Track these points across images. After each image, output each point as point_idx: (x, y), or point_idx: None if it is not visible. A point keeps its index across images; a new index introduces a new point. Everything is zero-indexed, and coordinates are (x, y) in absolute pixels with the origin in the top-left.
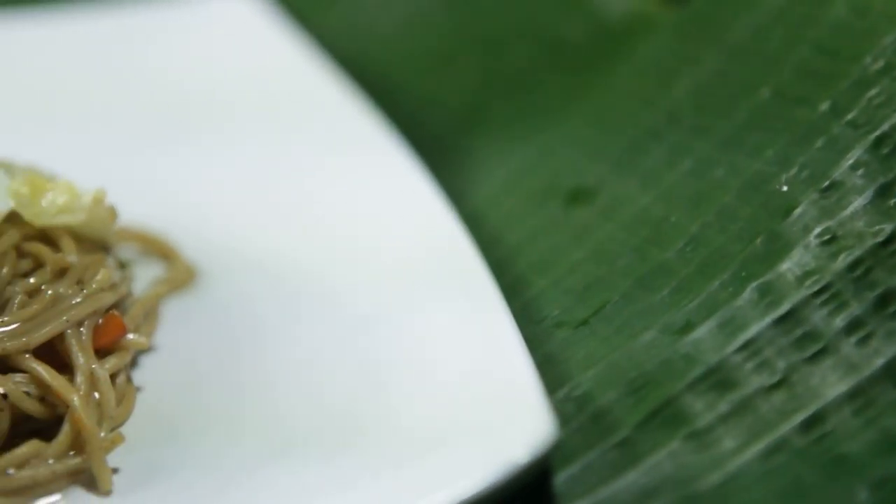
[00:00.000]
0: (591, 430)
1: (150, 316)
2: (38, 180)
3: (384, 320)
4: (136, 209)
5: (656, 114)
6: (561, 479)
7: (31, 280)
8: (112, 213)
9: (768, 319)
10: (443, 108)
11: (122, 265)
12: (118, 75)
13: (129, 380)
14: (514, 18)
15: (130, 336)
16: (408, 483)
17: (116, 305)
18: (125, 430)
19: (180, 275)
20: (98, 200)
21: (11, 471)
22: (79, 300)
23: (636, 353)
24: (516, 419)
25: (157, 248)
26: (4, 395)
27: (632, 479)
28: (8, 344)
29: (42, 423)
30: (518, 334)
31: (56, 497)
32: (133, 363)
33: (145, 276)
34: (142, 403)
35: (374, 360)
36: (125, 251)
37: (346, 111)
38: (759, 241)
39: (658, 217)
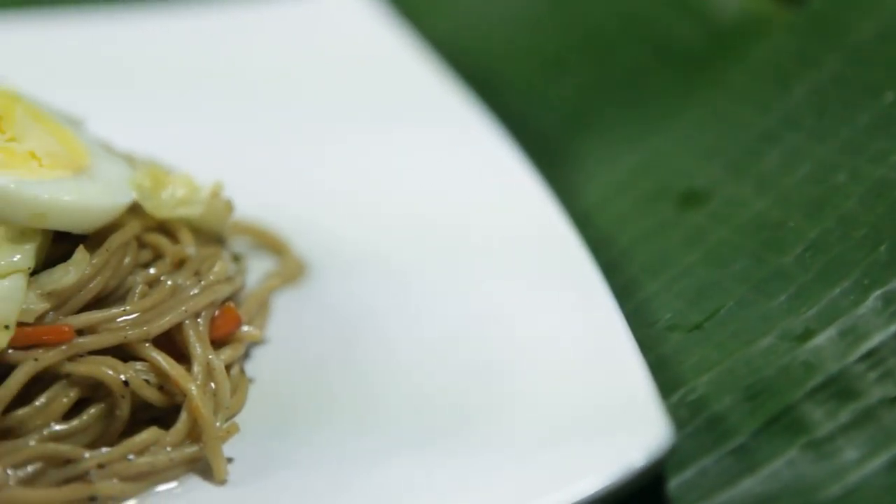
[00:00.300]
0: (706, 435)
1: (262, 309)
2: (159, 173)
3: (495, 318)
4: (247, 203)
5: (773, 116)
6: (675, 484)
7: (151, 271)
8: (228, 206)
9: (893, 329)
10: (552, 107)
11: (236, 258)
12: (231, 70)
13: (242, 371)
14: (623, 18)
15: (245, 328)
16: (522, 483)
17: (231, 297)
18: (239, 420)
19: (291, 268)
20: (215, 193)
21: (132, 457)
22: (196, 291)
23: (753, 359)
24: (631, 422)
25: (269, 242)
26: (126, 383)
27: (748, 486)
28: (129, 333)
29: (159, 412)
30: (631, 336)
31: (173, 484)
32: (245, 355)
33: (257, 269)
34: (254, 395)
35: (486, 359)
36: (237, 244)
37: (455, 109)
38: (882, 248)
39: (775, 221)
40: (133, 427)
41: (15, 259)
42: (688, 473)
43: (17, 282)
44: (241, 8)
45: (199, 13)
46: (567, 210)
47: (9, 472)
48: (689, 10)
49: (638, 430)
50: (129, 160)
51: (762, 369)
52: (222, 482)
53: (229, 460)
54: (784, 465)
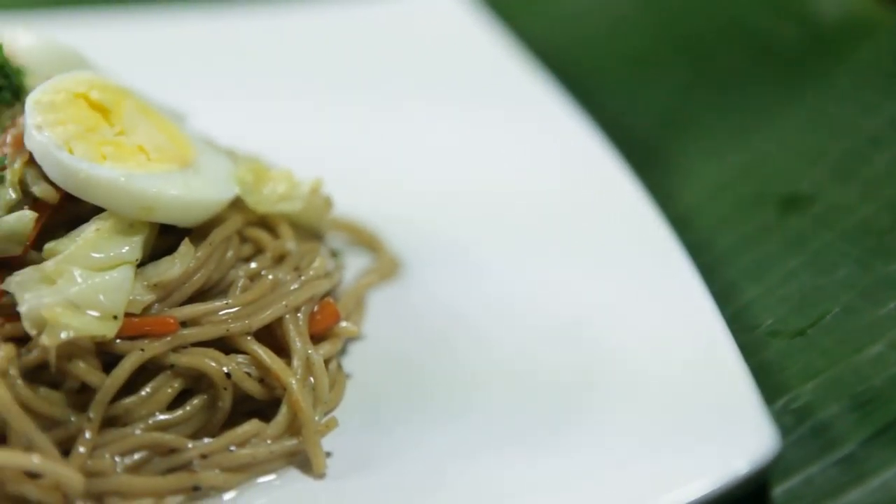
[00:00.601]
0: (812, 443)
1: (358, 305)
2: (261, 168)
3: (592, 320)
4: (343, 199)
5: (878, 120)
6: (779, 492)
7: (253, 265)
8: (327, 202)
9: None
10: (648, 108)
11: (334, 254)
12: (329, 68)
13: (339, 367)
14: (721, 19)
15: (343, 324)
16: (622, 487)
17: (329, 293)
18: (335, 415)
19: (386, 265)
20: (315, 190)
21: (233, 448)
22: (297, 286)
23: (861, 368)
24: (735, 428)
25: (364, 239)
26: (228, 375)
27: (856, 497)
28: (232, 325)
29: (257, 405)
30: (732, 341)
31: (271, 477)
32: (342, 350)
33: (352, 266)
34: (351, 390)
35: (585, 360)
36: (334, 240)
37: (550, 109)
38: None
39: (882, 228)
40: (232, 419)
41: (123, 251)
42: (793, 482)
43: (126, 273)
44: (340, 7)
45: (297, 12)
46: (664, 212)
47: (116, 459)
48: (790, 11)
49: (742, 437)
50: (232, 155)
51: (870, 378)
52: (321, 476)
53: (328, 454)
54: (894, 476)
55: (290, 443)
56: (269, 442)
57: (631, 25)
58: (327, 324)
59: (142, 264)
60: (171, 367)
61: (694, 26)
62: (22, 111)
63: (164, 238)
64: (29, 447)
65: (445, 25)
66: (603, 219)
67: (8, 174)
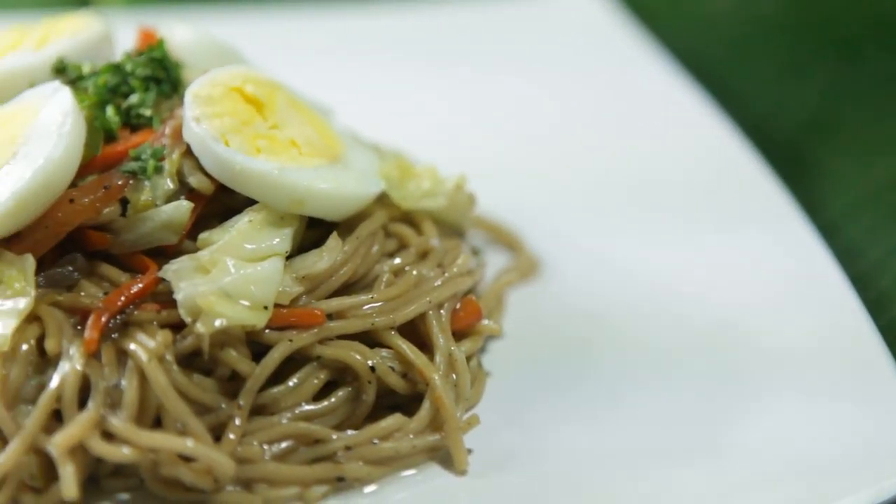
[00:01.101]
0: None
1: (498, 303)
2: (405, 164)
3: (739, 326)
4: (483, 198)
5: None
6: None
7: (397, 260)
8: (471, 199)
9: None
10: (793, 113)
11: (475, 251)
12: (470, 66)
13: (480, 364)
14: (870, 20)
15: (484, 321)
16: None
17: (471, 291)
18: (476, 412)
19: (526, 265)
20: (459, 186)
21: (376, 441)
22: (440, 283)
23: None
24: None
25: (504, 238)
26: (372, 368)
27: None
28: (377, 320)
29: (398, 399)
30: (889, 355)
31: (412, 471)
32: (482, 348)
33: (490, 264)
34: (491, 388)
35: (731, 369)
36: (473, 238)
37: (691, 111)
38: None
39: None
40: (372, 412)
41: (274, 242)
42: None
43: (276, 264)
44: (482, 5)
45: (439, 9)
46: (811, 219)
47: (264, 447)
48: None
49: None
50: (376, 151)
51: None
52: (463, 472)
53: (469, 451)
54: None
55: (433, 438)
56: (411, 437)
57: (775, 26)
58: (469, 321)
59: (290, 256)
60: (318, 358)
61: (841, 26)
62: (180, 104)
63: (310, 231)
64: (183, 431)
65: (585, 24)
66: (747, 222)
67: (166, 165)
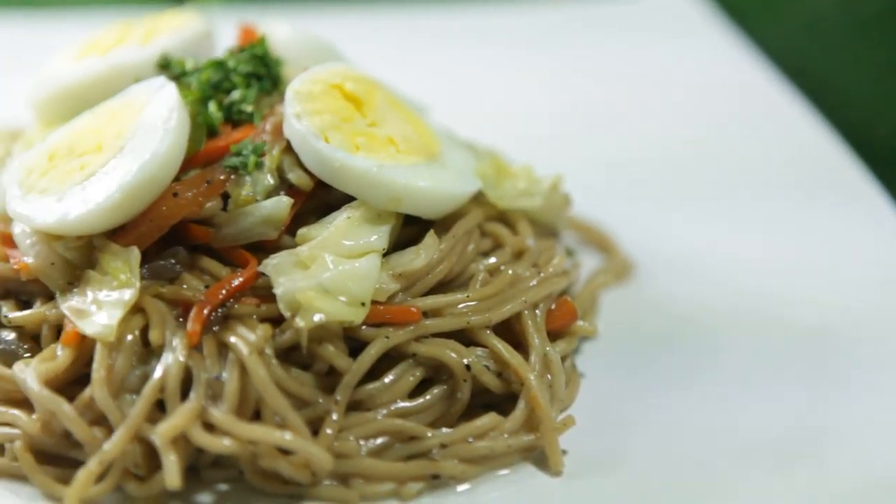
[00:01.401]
0: None
1: (592, 304)
2: (501, 163)
3: (839, 332)
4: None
5: None
6: None
7: (492, 259)
8: (566, 200)
9: None
10: (893, 115)
11: (569, 252)
12: (566, 66)
13: (574, 365)
14: None
15: (579, 322)
16: None
17: (566, 291)
18: (571, 413)
19: (619, 266)
20: (555, 187)
21: (471, 439)
22: (535, 283)
23: None
24: None
25: (596, 239)
26: (468, 367)
27: None
28: (472, 318)
29: (492, 398)
30: None
31: (505, 471)
32: (575, 349)
33: (583, 265)
34: (585, 389)
35: (833, 374)
36: (565, 238)
37: (788, 114)
38: None
39: None
40: (466, 411)
41: (372, 239)
42: None
43: (373, 261)
44: (574, 5)
45: (533, 9)
46: None
47: (360, 442)
48: None
49: None
50: (472, 149)
51: None
52: (558, 473)
53: (564, 452)
54: None
55: (527, 438)
56: (506, 436)
57: (876, 31)
58: (564, 321)
59: (386, 254)
60: (413, 356)
61: None
62: (280, 100)
63: (406, 229)
64: (282, 425)
65: (678, 24)
66: (846, 224)
67: (267, 160)
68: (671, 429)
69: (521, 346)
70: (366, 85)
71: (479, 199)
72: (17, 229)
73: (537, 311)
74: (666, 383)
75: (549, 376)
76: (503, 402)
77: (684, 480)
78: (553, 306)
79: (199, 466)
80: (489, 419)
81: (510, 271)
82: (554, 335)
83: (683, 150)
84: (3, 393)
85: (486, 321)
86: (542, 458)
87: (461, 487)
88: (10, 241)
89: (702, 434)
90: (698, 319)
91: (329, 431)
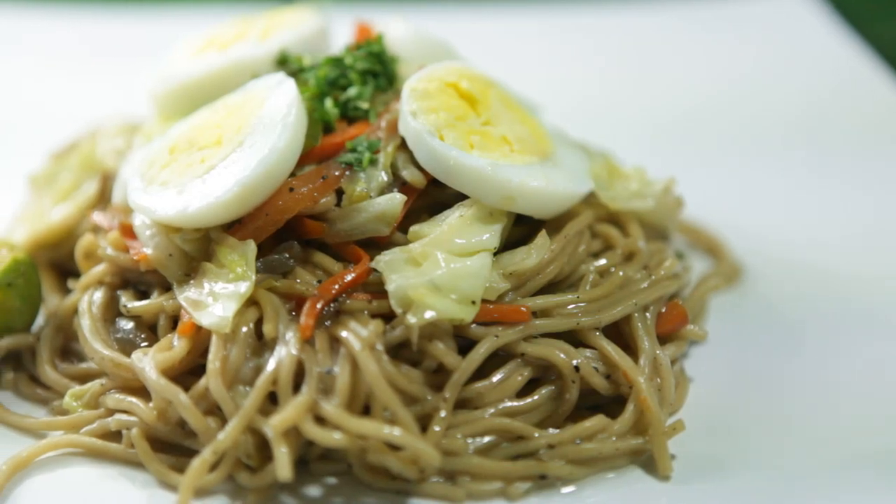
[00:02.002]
0: None
1: (702, 309)
2: (613, 164)
3: None
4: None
5: None
6: None
7: (602, 261)
8: (678, 202)
9: None
10: None
11: (679, 255)
12: (677, 67)
13: (682, 369)
14: None
15: (689, 326)
16: None
17: (675, 295)
18: (680, 418)
19: (729, 270)
20: (668, 189)
21: (579, 441)
22: (646, 285)
23: None
24: None
25: (706, 243)
26: (577, 368)
27: None
28: (582, 319)
29: (597, 400)
30: None
31: (612, 474)
32: (684, 353)
33: (693, 268)
34: (694, 394)
35: None
36: (674, 242)
37: None
38: None
39: None
40: (571, 413)
41: (484, 238)
42: None
43: (484, 260)
44: (685, 4)
45: (645, 8)
46: None
47: (468, 440)
48: None
49: None
50: (584, 150)
51: None
52: (666, 478)
53: (672, 457)
54: None
55: (636, 441)
56: (614, 439)
57: None
58: (674, 325)
59: (497, 253)
60: (522, 355)
61: None
62: (395, 98)
63: (516, 228)
64: (391, 420)
65: (793, 26)
66: None
67: (381, 157)
68: (781, 437)
69: (629, 348)
70: (480, 83)
71: (589, 199)
72: (138, 221)
73: (647, 314)
74: (776, 391)
75: (658, 380)
76: (608, 404)
77: (792, 490)
78: (663, 309)
79: (309, 459)
80: (597, 421)
81: (621, 273)
82: (663, 338)
83: (797, 153)
84: (121, 381)
85: (595, 322)
86: (649, 462)
87: (566, 489)
88: (130, 232)
89: (811, 444)
90: (809, 325)
91: (437, 428)
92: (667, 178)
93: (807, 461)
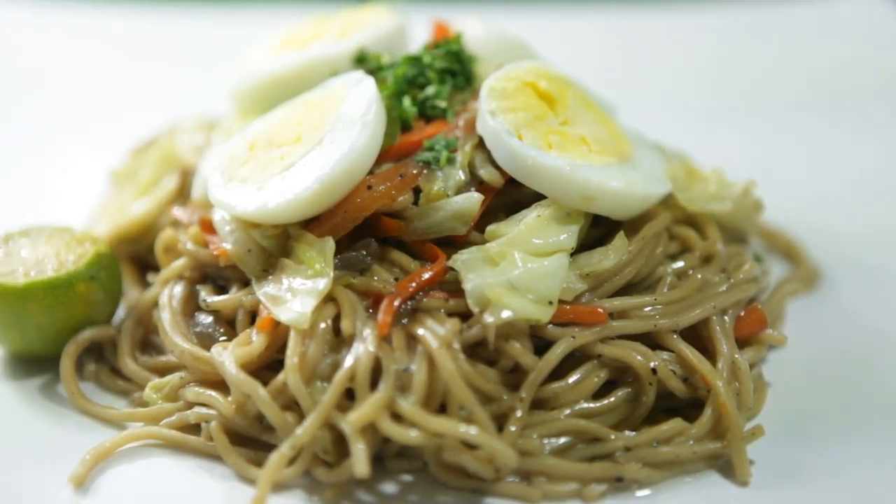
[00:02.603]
0: None
1: (780, 313)
2: (691, 166)
3: None
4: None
5: None
6: None
7: (680, 263)
8: (758, 205)
9: None
10: None
11: (757, 259)
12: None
13: (760, 373)
14: None
15: (768, 331)
16: None
17: (754, 299)
18: (758, 423)
19: (807, 275)
20: (747, 192)
21: (656, 444)
22: (724, 288)
23: None
24: None
25: (784, 247)
26: (654, 370)
27: None
28: (660, 321)
29: (673, 403)
30: None
31: (689, 479)
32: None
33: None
34: (772, 399)
35: None
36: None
37: None
38: None
39: None
40: (649, 415)
41: (561, 238)
42: None
43: (561, 260)
44: (759, 7)
45: (719, 9)
46: None
47: (544, 441)
48: None
49: None
50: (661, 151)
51: None
52: (744, 483)
53: (751, 462)
54: None
55: (714, 445)
56: (692, 442)
57: None
58: (753, 329)
59: (573, 253)
60: (598, 356)
61: None
62: (472, 97)
63: (592, 229)
64: (468, 419)
65: (870, 28)
66: None
67: (459, 156)
68: (861, 446)
69: (706, 351)
70: (559, 83)
71: (666, 201)
72: (217, 216)
73: (726, 318)
74: (856, 398)
75: (736, 384)
76: (684, 407)
77: (873, 500)
78: (742, 313)
79: (384, 456)
80: (675, 424)
81: (699, 276)
82: (741, 342)
83: (873, 156)
84: (200, 374)
85: (673, 325)
86: (727, 466)
87: (641, 492)
88: (210, 228)
89: (892, 455)
90: (889, 332)
91: (513, 428)
92: (746, 180)
93: (889, 470)
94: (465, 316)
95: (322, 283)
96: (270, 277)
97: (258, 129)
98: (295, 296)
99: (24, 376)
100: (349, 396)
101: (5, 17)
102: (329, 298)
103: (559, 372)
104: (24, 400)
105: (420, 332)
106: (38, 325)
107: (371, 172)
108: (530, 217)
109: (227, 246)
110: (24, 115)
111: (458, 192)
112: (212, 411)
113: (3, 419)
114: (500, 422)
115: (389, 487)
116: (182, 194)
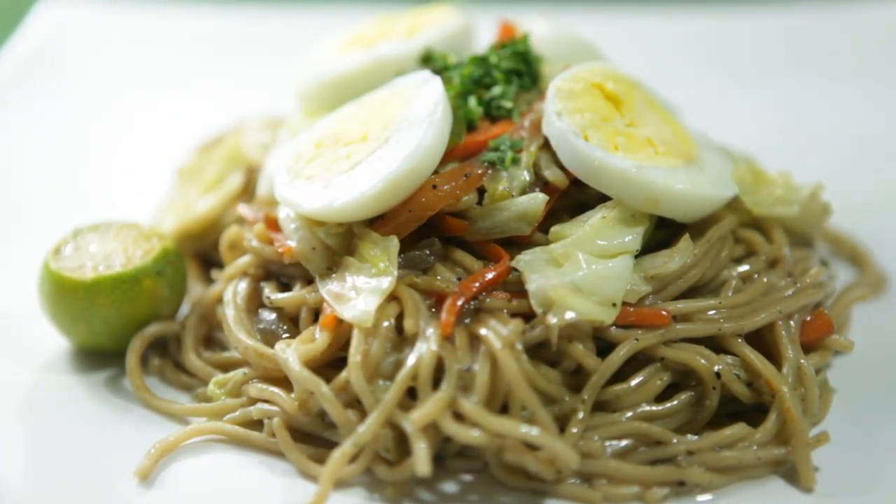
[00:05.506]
0: None
1: (847, 319)
2: (757, 169)
3: None
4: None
5: None
6: None
7: (745, 267)
8: (825, 209)
9: None
10: None
11: (824, 263)
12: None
13: (826, 379)
14: None
15: (835, 336)
16: None
17: (820, 304)
18: (823, 429)
19: (874, 280)
20: (815, 196)
21: (719, 448)
22: (790, 293)
23: None
24: None
25: (850, 251)
26: (718, 374)
27: None
28: (724, 325)
29: (737, 407)
30: None
31: (751, 485)
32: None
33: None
34: (837, 405)
35: None
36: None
37: None
38: None
39: None
40: (711, 419)
41: (626, 240)
42: None
43: (626, 262)
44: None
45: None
46: None
47: (605, 443)
48: None
49: None
50: (727, 153)
51: None
52: (809, 490)
53: (815, 469)
54: None
55: (778, 451)
56: (755, 448)
57: None
58: (819, 334)
59: (638, 255)
60: (662, 359)
61: None
62: (538, 97)
63: (656, 231)
64: (530, 419)
65: None
66: None
67: (524, 157)
68: None
69: (771, 356)
70: (625, 85)
71: (732, 204)
72: (283, 214)
73: (792, 322)
74: None
75: (801, 389)
76: (747, 412)
77: None
78: (808, 318)
79: (445, 456)
80: (738, 429)
81: (764, 279)
82: (807, 348)
83: None
84: (263, 370)
85: (738, 329)
86: (791, 473)
87: (703, 497)
88: (275, 225)
89: None
90: None
91: (575, 430)
92: (813, 183)
93: None
94: (527, 317)
95: (386, 282)
96: (334, 275)
97: (325, 126)
98: (359, 294)
99: (91, 370)
100: (411, 395)
101: (75, 17)
102: (392, 297)
103: (622, 374)
104: (90, 393)
105: (483, 332)
106: (104, 319)
107: (436, 172)
108: (595, 218)
109: (292, 243)
110: (94, 113)
111: (523, 192)
112: (274, 408)
113: (70, 412)
114: (562, 423)
115: (450, 487)
116: (247, 192)
